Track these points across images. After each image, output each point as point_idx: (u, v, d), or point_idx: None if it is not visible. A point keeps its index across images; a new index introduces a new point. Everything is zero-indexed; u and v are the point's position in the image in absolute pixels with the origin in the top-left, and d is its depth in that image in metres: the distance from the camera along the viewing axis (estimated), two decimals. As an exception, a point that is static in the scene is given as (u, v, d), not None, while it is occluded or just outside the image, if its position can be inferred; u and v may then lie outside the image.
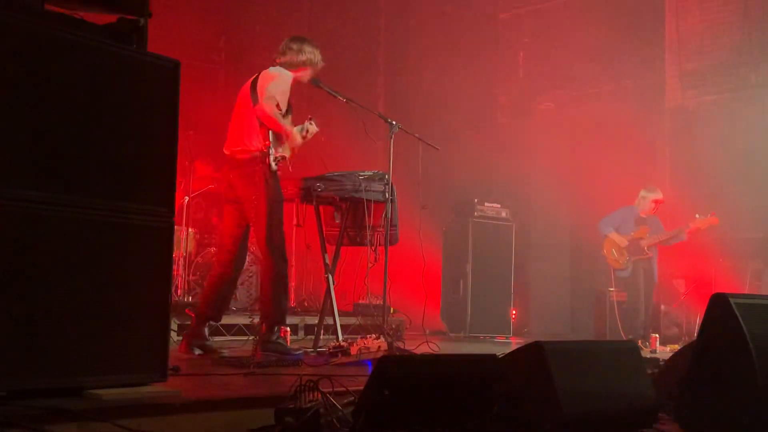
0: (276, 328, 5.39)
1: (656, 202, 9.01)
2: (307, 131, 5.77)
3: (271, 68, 5.62)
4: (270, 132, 5.37)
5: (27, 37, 2.98)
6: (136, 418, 2.82)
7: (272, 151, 5.34)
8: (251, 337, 5.59)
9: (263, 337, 5.35)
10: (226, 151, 5.57)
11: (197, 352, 5.41)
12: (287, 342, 5.65)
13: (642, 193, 9.09)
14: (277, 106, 5.37)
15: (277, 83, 5.45)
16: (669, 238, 8.93)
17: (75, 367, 3.04)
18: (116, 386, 3.11)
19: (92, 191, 3.13)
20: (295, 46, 5.66)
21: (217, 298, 5.56)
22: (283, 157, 5.48)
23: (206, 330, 5.58)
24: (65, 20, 3.24)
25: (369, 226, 5.87)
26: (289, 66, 5.61)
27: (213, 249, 8.32)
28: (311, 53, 5.68)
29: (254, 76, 5.62)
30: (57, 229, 3.01)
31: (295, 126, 5.72)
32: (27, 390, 2.90)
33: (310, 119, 5.81)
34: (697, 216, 8.57)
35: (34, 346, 2.92)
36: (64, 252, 3.03)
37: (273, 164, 5.35)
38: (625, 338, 8.42)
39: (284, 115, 5.54)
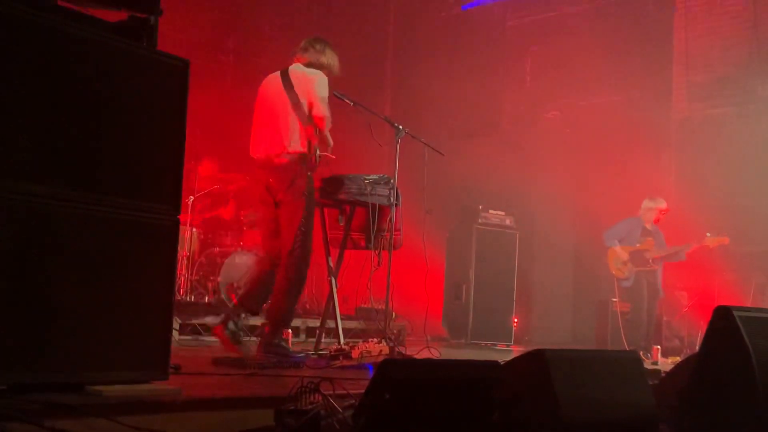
0: (279, 330, 5.40)
1: (662, 211, 8.99)
2: None
3: (300, 68, 5.57)
4: (315, 130, 5.40)
5: (38, 33, 2.98)
6: (136, 415, 2.81)
7: (318, 153, 5.39)
8: (251, 338, 5.60)
9: (266, 339, 5.36)
10: (257, 155, 5.52)
11: (227, 333, 5.36)
12: (289, 344, 5.66)
13: (645, 203, 9.07)
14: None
15: (321, 84, 5.46)
16: (669, 255, 8.91)
17: (76, 363, 3.04)
18: (117, 383, 3.11)
19: (98, 187, 3.13)
20: (318, 47, 5.64)
21: (260, 292, 5.55)
22: (328, 156, 5.53)
23: (241, 318, 5.50)
24: (76, 16, 3.24)
25: (373, 230, 5.87)
26: (308, 65, 5.58)
27: (217, 249, 8.33)
28: (332, 58, 5.67)
29: (279, 76, 5.56)
30: (62, 224, 3.01)
31: None
32: (28, 384, 2.91)
33: None
34: (708, 235, 8.53)
35: (36, 341, 2.92)
36: (69, 247, 3.03)
37: (317, 160, 5.40)
38: (627, 348, 8.40)
39: None
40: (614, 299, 9.15)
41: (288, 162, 5.39)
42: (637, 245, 8.98)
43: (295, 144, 5.39)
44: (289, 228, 5.38)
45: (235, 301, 5.63)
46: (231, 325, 5.42)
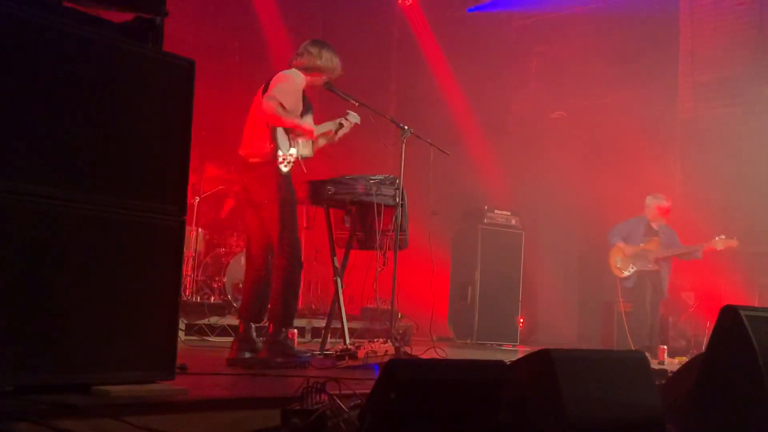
0: (283, 330, 5.39)
1: (660, 208, 8.97)
2: (343, 124, 5.80)
3: (285, 71, 5.62)
4: (276, 133, 5.35)
5: (44, 34, 2.99)
6: (142, 416, 2.82)
7: (279, 153, 5.33)
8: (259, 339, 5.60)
9: (270, 339, 5.35)
10: (241, 153, 5.58)
11: (247, 355, 5.41)
12: (295, 343, 5.65)
13: (647, 199, 9.07)
14: (281, 105, 5.35)
15: (283, 85, 5.42)
16: (684, 254, 8.86)
17: (83, 363, 3.05)
18: (124, 383, 3.12)
19: (104, 188, 3.14)
20: (314, 51, 5.64)
21: (255, 301, 5.51)
22: (299, 157, 5.50)
23: (253, 332, 5.54)
24: (82, 17, 3.25)
25: (378, 230, 5.87)
26: (304, 69, 5.59)
27: (222, 249, 8.34)
28: (329, 60, 5.65)
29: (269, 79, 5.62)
30: (68, 225, 3.02)
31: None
32: (34, 385, 2.91)
33: (348, 112, 5.84)
34: (717, 238, 8.47)
35: (43, 342, 2.93)
36: (75, 248, 3.04)
37: (281, 167, 5.36)
38: (633, 348, 8.38)
39: (302, 115, 5.54)
40: (618, 299, 9.14)
41: (259, 161, 5.39)
42: (641, 245, 8.96)
43: (265, 145, 5.37)
44: (272, 229, 5.38)
45: (239, 321, 5.63)
46: (244, 345, 5.43)
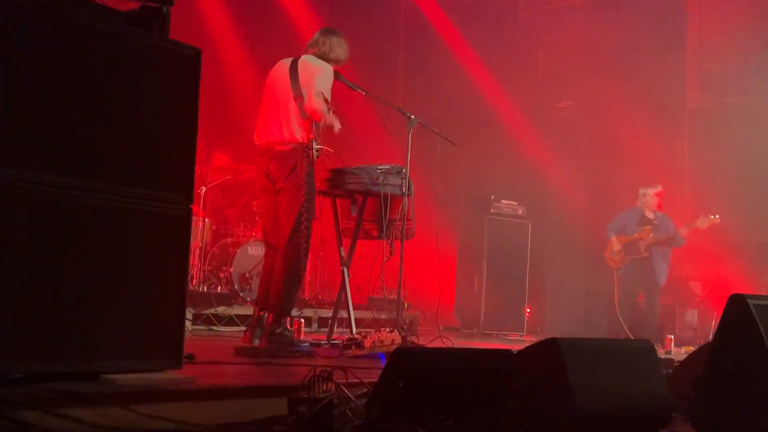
0: (282, 320, 5.38)
1: (658, 194, 8.99)
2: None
3: (310, 59, 5.57)
4: (314, 124, 5.38)
5: (50, 23, 2.99)
6: (150, 404, 2.83)
7: (314, 143, 5.36)
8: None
9: (269, 328, 5.34)
10: (259, 142, 5.54)
11: (257, 342, 5.42)
12: (302, 333, 5.63)
13: (641, 190, 9.09)
14: (327, 101, 5.39)
15: (323, 77, 5.43)
16: (669, 239, 8.89)
17: (91, 352, 3.05)
18: (131, 372, 3.12)
19: (111, 177, 3.13)
20: (328, 39, 5.64)
21: (269, 289, 5.54)
22: (326, 149, 5.51)
23: (264, 320, 5.54)
24: (88, 6, 3.24)
25: (385, 220, 5.86)
26: (322, 57, 5.59)
27: (229, 239, 8.34)
28: (340, 47, 5.67)
29: (288, 64, 5.57)
30: (76, 214, 3.02)
31: None
32: (43, 373, 2.92)
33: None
34: (699, 219, 8.51)
35: (51, 330, 2.93)
36: (82, 237, 3.04)
37: (315, 154, 5.37)
38: (632, 338, 8.39)
39: None
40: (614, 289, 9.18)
41: (289, 150, 5.39)
42: (634, 235, 9.00)
43: (296, 133, 5.39)
44: (288, 216, 5.38)
45: (254, 307, 5.63)
46: (258, 332, 5.44)
